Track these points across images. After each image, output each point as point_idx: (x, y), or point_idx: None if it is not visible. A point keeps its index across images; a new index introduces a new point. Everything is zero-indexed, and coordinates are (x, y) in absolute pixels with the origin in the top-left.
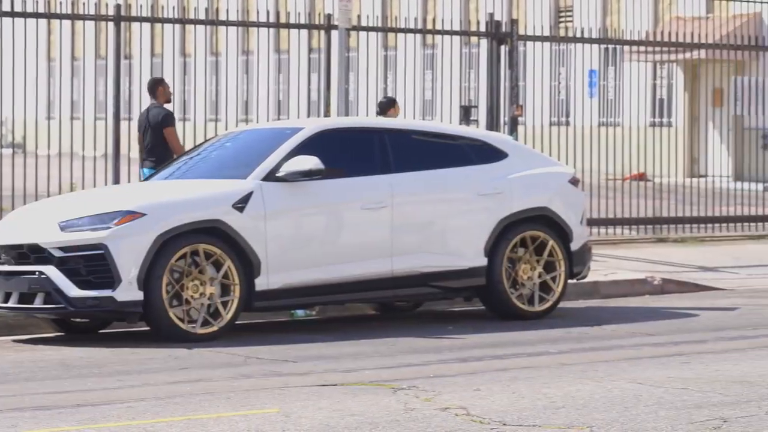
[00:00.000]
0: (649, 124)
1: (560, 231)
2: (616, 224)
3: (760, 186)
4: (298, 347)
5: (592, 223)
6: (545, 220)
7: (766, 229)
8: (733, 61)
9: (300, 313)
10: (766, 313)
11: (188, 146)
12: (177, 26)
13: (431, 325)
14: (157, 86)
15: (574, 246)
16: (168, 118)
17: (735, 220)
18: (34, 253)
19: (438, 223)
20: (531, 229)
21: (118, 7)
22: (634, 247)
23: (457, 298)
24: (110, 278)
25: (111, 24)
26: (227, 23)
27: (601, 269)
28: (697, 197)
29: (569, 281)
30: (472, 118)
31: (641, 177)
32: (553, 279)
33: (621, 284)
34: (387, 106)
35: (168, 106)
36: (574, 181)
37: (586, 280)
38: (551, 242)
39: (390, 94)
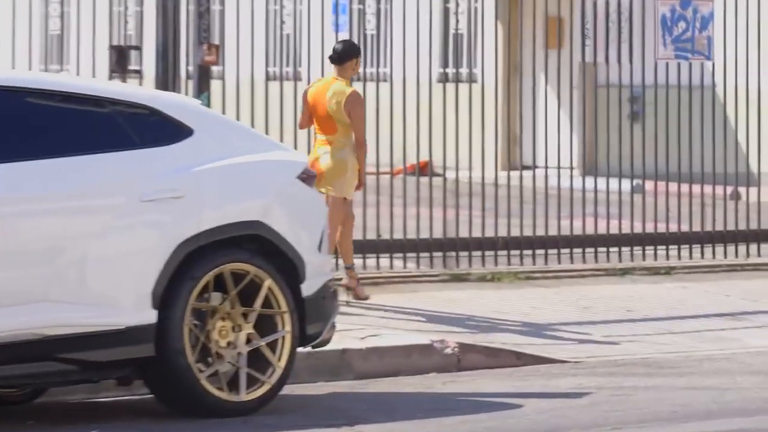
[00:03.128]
0: (436, 79)
1: (284, 263)
2: (381, 251)
3: (627, 184)
4: None
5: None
6: (258, 243)
7: (637, 258)
8: None
9: None
10: (634, 402)
11: None
12: None
13: (61, 428)
14: None
15: (309, 289)
16: None
17: (584, 244)
18: None
19: (70, 250)
20: (233, 261)
21: None
22: (414, 289)
23: (106, 381)
24: None
25: None
26: None
27: (355, 329)
28: (520, 205)
29: (300, 349)
30: (130, 66)
31: (423, 169)
32: (272, 346)
33: (390, 354)
34: (346, 54)
35: None
36: (308, 177)
37: (329, 347)
38: (268, 283)
39: None
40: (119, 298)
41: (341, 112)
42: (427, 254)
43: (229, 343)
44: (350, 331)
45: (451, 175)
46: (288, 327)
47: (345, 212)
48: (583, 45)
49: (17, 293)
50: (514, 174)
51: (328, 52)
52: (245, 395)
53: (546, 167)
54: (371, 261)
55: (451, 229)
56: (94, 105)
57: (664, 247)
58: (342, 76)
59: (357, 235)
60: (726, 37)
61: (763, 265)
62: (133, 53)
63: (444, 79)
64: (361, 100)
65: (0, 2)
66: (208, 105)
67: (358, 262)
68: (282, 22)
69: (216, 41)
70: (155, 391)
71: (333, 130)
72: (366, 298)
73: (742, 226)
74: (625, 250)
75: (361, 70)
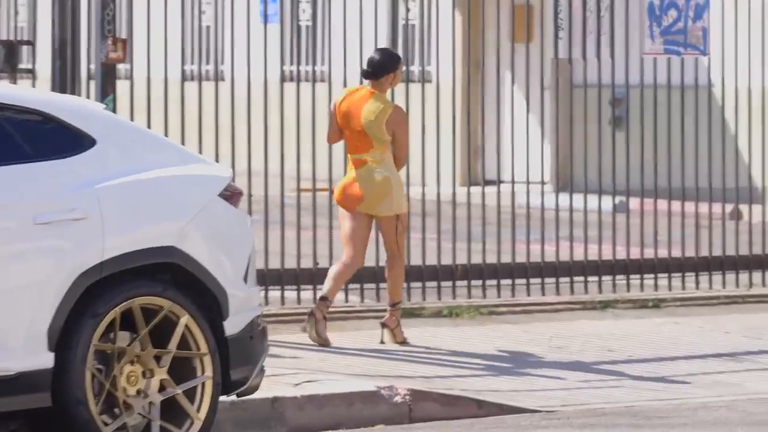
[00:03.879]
0: None
1: (204, 296)
2: (318, 282)
3: (608, 202)
4: None
5: (269, 280)
6: (173, 273)
7: (620, 289)
8: None
9: None
10: None
11: None
12: None
13: None
14: None
15: (233, 327)
16: None
17: (558, 272)
18: None
19: None
20: (143, 294)
21: None
22: (357, 326)
23: None
24: None
25: None
26: None
27: (289, 373)
28: (482, 227)
29: (223, 398)
30: (21, 65)
31: None
32: (190, 394)
33: (329, 403)
34: (382, 67)
35: None
36: (232, 195)
37: (257, 395)
38: (185, 319)
39: None
40: (8, 338)
41: (381, 129)
42: (372, 285)
43: (138, 391)
44: (283, 376)
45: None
46: (209, 372)
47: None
48: (556, 38)
49: None
50: (476, 190)
51: (255, 47)
52: None
53: (513, 182)
54: (307, 294)
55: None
56: None
57: (651, 275)
58: (380, 90)
59: (289, 263)
60: (725, 29)
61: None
62: (25, 49)
63: None
64: (407, 118)
65: None
66: (114, 110)
67: (289, 294)
68: (201, 12)
69: (123, 35)
70: None
71: (367, 146)
72: (403, 342)
73: (743, 251)
74: (606, 279)
75: (294, 68)
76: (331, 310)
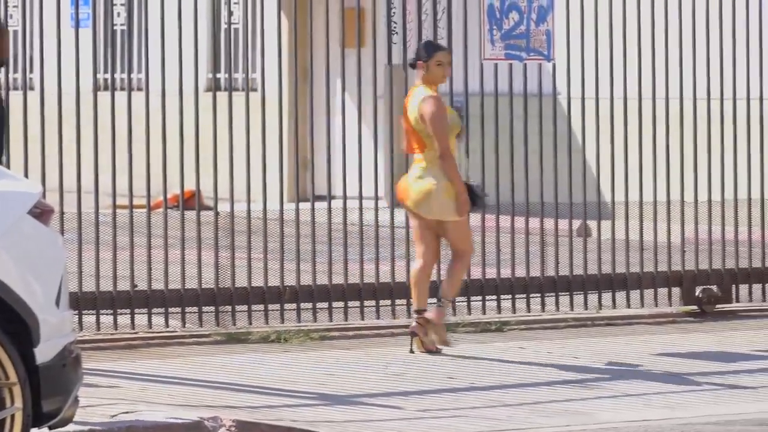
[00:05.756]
0: (203, 87)
1: (12, 322)
2: (137, 306)
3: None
4: None
5: (84, 304)
6: None
7: (460, 311)
8: None
9: None
10: None
11: None
12: None
13: None
14: None
15: (45, 354)
16: None
17: (393, 295)
18: None
19: None
20: None
21: None
22: (179, 353)
23: None
24: None
25: None
26: None
27: (105, 403)
28: (311, 244)
29: (34, 431)
30: None
31: (189, 201)
32: None
33: None
34: (415, 55)
35: None
36: (42, 212)
37: (71, 427)
38: None
39: None
40: None
41: (420, 122)
42: (194, 309)
43: None
44: (99, 406)
45: (224, 208)
46: (18, 402)
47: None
48: (390, 43)
49: None
50: (305, 206)
51: (66, 52)
52: None
53: (345, 198)
54: (124, 318)
55: (226, 276)
56: None
57: (494, 297)
58: (424, 82)
59: (105, 285)
60: (570, 33)
61: (618, 318)
62: None
63: (214, 87)
64: (435, 102)
65: None
66: None
67: (105, 319)
68: (8, 17)
69: None
70: None
71: (422, 146)
72: (446, 344)
73: (592, 270)
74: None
75: (101, 76)
76: (149, 335)
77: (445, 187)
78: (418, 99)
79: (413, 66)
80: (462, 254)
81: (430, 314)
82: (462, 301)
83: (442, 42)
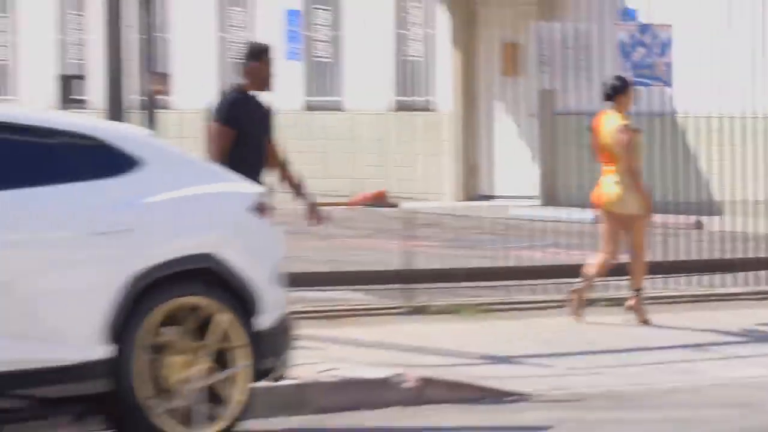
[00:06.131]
0: (390, 107)
1: (238, 297)
2: (336, 284)
3: (588, 214)
4: None
5: (296, 281)
6: (211, 277)
7: (600, 289)
8: None
9: None
10: None
11: None
12: None
13: None
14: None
15: (264, 322)
16: None
17: (546, 275)
18: None
19: (19, 284)
20: (186, 295)
21: None
22: (373, 322)
23: (61, 417)
24: None
25: None
26: None
27: (313, 362)
28: (479, 235)
29: (256, 384)
30: (74, 96)
31: (379, 198)
32: (228, 381)
33: (348, 388)
34: (612, 91)
35: None
36: (260, 209)
37: (286, 381)
38: (222, 316)
39: None
40: (69, 333)
41: (614, 144)
42: (386, 286)
43: (184, 378)
44: (307, 365)
45: (408, 204)
46: (243, 361)
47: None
48: (541, 72)
49: None
50: (474, 204)
51: (284, 80)
52: (202, 431)
53: (505, 196)
54: (329, 294)
55: (411, 260)
56: (40, 136)
57: (628, 278)
58: (616, 110)
59: (312, 265)
60: (686, 63)
61: (727, 295)
62: (80, 82)
63: (399, 107)
64: (624, 131)
65: None
66: (158, 136)
67: (314, 295)
68: (233, 51)
69: (165, 70)
70: (111, 427)
71: (612, 160)
72: (647, 322)
73: (705, 256)
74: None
75: (311, 98)
76: (349, 307)
77: (633, 190)
78: (613, 126)
79: (606, 97)
80: (639, 248)
81: (631, 303)
82: (602, 281)
83: (583, 72)
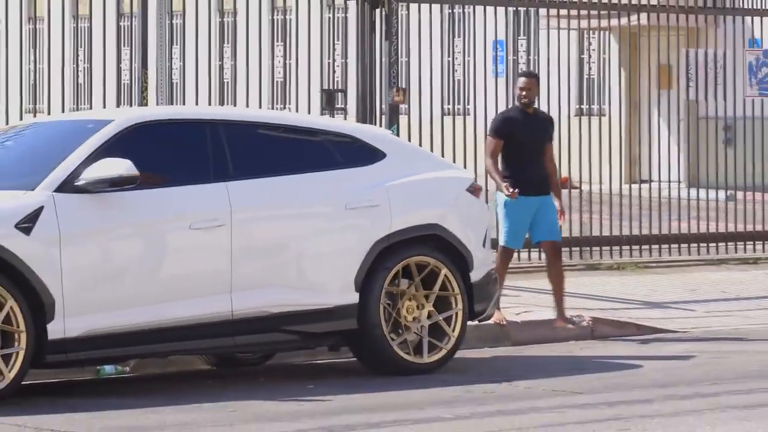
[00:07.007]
0: (573, 113)
1: (456, 256)
2: (531, 246)
3: (722, 194)
4: (105, 416)
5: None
6: (436, 241)
7: (730, 251)
8: (684, 28)
9: (108, 369)
10: (729, 363)
11: None
12: None
13: (286, 384)
14: None
15: (476, 276)
16: None
17: (689, 240)
18: None
19: (293, 247)
20: (417, 254)
21: None
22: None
23: (320, 347)
24: None
25: None
26: None
27: (511, 307)
28: (639, 210)
29: (469, 323)
30: (337, 105)
31: (564, 183)
32: (448, 320)
33: (538, 326)
34: None
35: None
36: (474, 190)
37: (491, 321)
38: (444, 271)
39: (228, 72)
40: (329, 284)
41: None
42: (567, 249)
43: (414, 318)
44: (508, 308)
45: (586, 187)
46: (460, 305)
47: None
48: (688, 86)
49: (252, 280)
50: (635, 186)
51: (490, 93)
52: (427, 358)
53: (660, 181)
54: (524, 254)
55: (587, 228)
56: (310, 135)
57: (751, 242)
58: None
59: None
60: None
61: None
62: (340, 95)
63: (579, 113)
64: None
65: (240, 56)
66: (397, 134)
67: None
68: (454, 70)
69: (403, 85)
70: (358, 355)
71: None
72: None
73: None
74: (721, 245)
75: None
76: (538, 265)
77: None
78: None
79: None
80: None
81: None
82: (731, 245)
83: (719, 86)
